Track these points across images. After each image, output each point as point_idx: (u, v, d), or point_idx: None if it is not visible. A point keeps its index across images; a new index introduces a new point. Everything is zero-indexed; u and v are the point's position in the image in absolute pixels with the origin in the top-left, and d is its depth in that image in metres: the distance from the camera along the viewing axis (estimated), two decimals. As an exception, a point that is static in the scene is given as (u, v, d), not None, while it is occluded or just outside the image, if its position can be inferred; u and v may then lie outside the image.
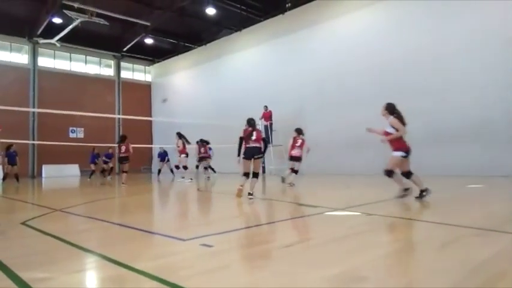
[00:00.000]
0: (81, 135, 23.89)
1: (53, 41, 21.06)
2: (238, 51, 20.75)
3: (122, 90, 26.80)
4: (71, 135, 23.61)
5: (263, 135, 7.62)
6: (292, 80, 17.28)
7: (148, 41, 24.38)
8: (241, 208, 6.47)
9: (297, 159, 9.82)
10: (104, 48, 25.30)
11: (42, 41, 21.71)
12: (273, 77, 18.15)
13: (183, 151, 13.52)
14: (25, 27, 21.69)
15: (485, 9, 11.62)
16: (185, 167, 13.84)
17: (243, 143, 7.16)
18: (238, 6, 19.43)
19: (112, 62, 26.71)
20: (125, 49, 25.28)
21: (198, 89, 23.73)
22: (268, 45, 18.99)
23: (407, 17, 13.60)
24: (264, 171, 17.05)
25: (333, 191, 8.88)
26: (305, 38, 17.12)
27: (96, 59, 26.07)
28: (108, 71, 26.65)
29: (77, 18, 18.03)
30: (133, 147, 12.32)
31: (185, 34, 24.12)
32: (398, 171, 6.18)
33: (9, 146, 14.23)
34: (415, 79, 12.99)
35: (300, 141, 9.87)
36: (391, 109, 6.51)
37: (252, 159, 7.05)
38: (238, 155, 7.11)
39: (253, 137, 7.13)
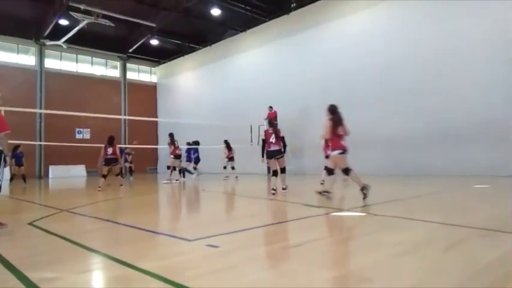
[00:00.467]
0: (87, 136, 24.02)
1: (60, 42, 21.20)
2: (243, 51, 20.77)
3: (127, 91, 26.92)
4: (78, 136, 23.75)
5: (281, 134, 8.32)
6: (297, 80, 17.26)
7: (154, 42, 24.47)
8: (246, 208, 6.49)
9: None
10: (109, 50, 25.43)
11: (48, 42, 21.86)
12: (278, 77, 18.14)
13: (172, 152, 13.57)
14: (32, 29, 21.86)
15: (489, 9, 11.53)
16: (173, 168, 13.88)
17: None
18: (243, 6, 19.44)
19: (118, 63, 26.85)
20: (130, 50, 25.39)
21: (203, 89, 23.78)
22: (273, 46, 18.98)
23: (412, 17, 13.53)
24: (268, 172, 17.02)
25: (338, 191, 8.85)
26: (310, 38, 17.09)
27: (102, 60, 26.21)
28: (114, 72, 26.78)
29: (83, 20, 18.13)
30: (139, 148, 12.42)
31: (190, 35, 24.17)
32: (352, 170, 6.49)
33: (17, 146, 14.36)
34: (420, 79, 12.92)
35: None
36: (331, 110, 6.72)
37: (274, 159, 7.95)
38: (263, 156, 8.38)
39: (273, 140, 7.93)
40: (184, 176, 14.57)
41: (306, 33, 17.21)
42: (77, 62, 24.84)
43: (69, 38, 20.51)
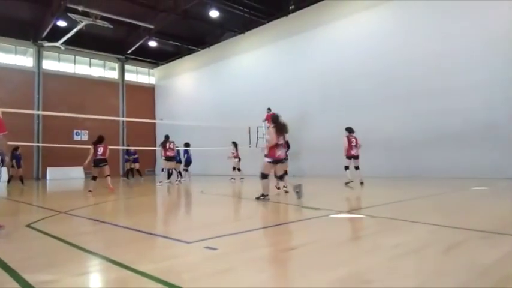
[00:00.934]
0: (85, 137, 23.94)
1: (58, 44, 21.18)
2: (242, 53, 20.79)
3: (125, 93, 26.90)
4: (76, 137, 23.69)
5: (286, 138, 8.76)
6: (296, 82, 17.29)
7: (152, 43, 24.45)
8: (245, 210, 6.48)
9: (356, 157, 10.50)
10: (108, 51, 25.41)
11: (46, 44, 21.84)
12: (277, 79, 18.17)
13: (164, 154, 13.57)
14: (30, 30, 21.83)
15: (491, 11, 11.57)
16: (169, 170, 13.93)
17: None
18: (242, 8, 19.46)
19: (116, 65, 26.83)
20: (128, 52, 25.36)
21: (201, 91, 23.78)
22: (272, 48, 19.01)
23: (410, 19, 13.58)
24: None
25: (337, 194, 8.85)
26: (308, 40, 17.13)
27: (100, 62, 26.19)
28: (112, 74, 26.76)
29: (82, 21, 18.11)
30: (138, 150, 12.29)
31: (189, 37, 24.17)
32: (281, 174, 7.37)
33: (16, 148, 14.35)
34: (419, 81, 12.96)
35: (354, 140, 10.56)
36: (273, 119, 7.13)
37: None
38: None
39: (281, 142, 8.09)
40: (178, 177, 14.53)
41: (304, 35, 17.25)
42: (75, 64, 24.81)
43: (67, 39, 20.49)
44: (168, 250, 3.52)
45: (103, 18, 18.44)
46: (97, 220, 5.48)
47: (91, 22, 18.15)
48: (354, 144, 10.51)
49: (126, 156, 18.54)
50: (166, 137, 13.54)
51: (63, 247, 3.59)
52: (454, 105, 12.01)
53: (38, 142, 21.79)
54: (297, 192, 6.66)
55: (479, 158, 11.26)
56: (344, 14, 15.76)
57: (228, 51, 21.64)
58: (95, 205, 7.67)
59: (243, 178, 14.15)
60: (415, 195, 7.59)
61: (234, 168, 14.93)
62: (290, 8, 18.73)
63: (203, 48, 23.80)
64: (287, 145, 8.68)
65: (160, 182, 13.31)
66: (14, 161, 14.13)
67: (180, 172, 15.01)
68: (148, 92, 28.12)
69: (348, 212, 5.46)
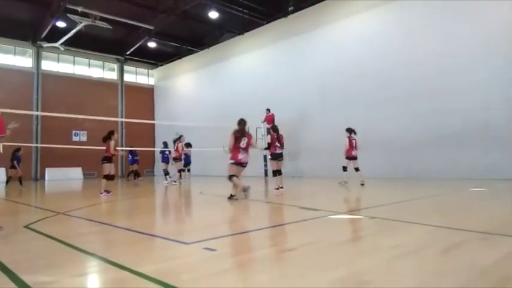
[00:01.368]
0: (84, 138, 23.95)
1: (57, 44, 21.17)
2: (241, 54, 20.80)
3: (125, 94, 26.89)
4: (74, 138, 23.67)
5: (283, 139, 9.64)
6: (295, 83, 17.30)
7: (152, 44, 24.45)
8: (243, 211, 6.47)
9: (355, 158, 10.71)
10: (107, 52, 25.40)
11: (46, 44, 21.83)
12: (276, 80, 18.18)
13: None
14: (29, 31, 21.82)
15: (490, 11, 11.59)
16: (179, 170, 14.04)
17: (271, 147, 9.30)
18: (241, 9, 19.46)
19: (115, 66, 26.82)
20: (128, 53, 25.36)
21: (200, 92, 23.77)
22: (271, 49, 19.02)
23: (410, 19, 13.59)
24: (266, 175, 17.04)
25: (336, 194, 8.85)
26: (307, 41, 17.14)
27: (100, 63, 26.18)
28: (112, 75, 26.75)
29: (81, 22, 18.11)
30: (137, 151, 12.11)
31: (188, 38, 24.18)
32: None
33: (18, 149, 14.37)
34: (418, 81, 12.97)
35: (354, 141, 10.74)
36: (238, 124, 7.72)
37: (277, 161, 9.26)
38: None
39: (278, 143, 9.25)
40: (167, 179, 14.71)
41: (304, 36, 17.26)
42: (74, 64, 24.80)
43: (67, 40, 20.49)
44: (166, 251, 3.52)
45: (102, 19, 18.45)
46: (96, 221, 5.47)
47: (90, 23, 18.15)
48: (354, 145, 10.65)
49: (130, 157, 18.51)
50: (179, 137, 13.65)
51: (62, 248, 3.58)
52: (454, 106, 12.01)
53: (37, 143, 21.76)
54: (245, 194, 7.19)
55: (479, 158, 11.27)
56: (344, 14, 15.78)
57: (228, 52, 21.65)
58: (94, 206, 7.66)
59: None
60: (414, 196, 7.60)
61: None
62: (289, 9, 18.75)
63: (202, 49, 23.81)
64: (281, 145, 9.41)
65: (175, 181, 13.59)
66: (15, 161, 14.12)
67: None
68: (147, 93, 28.12)
69: (347, 212, 5.46)
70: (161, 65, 27.56)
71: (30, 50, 22.97)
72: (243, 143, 7.46)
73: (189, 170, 16.14)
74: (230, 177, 7.49)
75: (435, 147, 12.38)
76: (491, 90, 11.35)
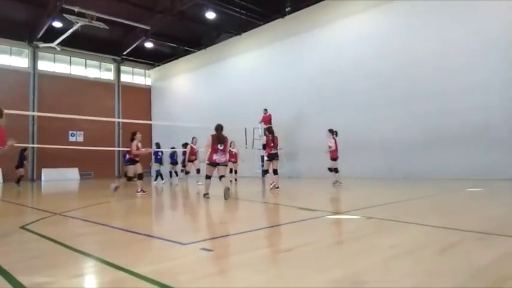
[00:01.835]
0: (80, 139, 23.88)
1: (53, 44, 21.11)
2: (238, 55, 20.80)
3: (121, 94, 26.85)
4: (71, 138, 23.61)
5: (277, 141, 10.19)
6: (292, 84, 17.31)
7: (148, 44, 24.43)
8: (241, 212, 6.47)
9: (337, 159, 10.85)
10: (104, 52, 25.36)
11: (42, 44, 21.76)
12: (273, 81, 18.19)
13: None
14: (25, 31, 21.74)
15: (489, 12, 11.63)
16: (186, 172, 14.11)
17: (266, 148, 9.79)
18: (238, 10, 19.48)
19: (112, 66, 26.77)
20: (125, 53, 25.33)
21: (197, 92, 23.76)
22: (268, 49, 19.04)
23: (407, 21, 13.63)
24: (263, 175, 17.01)
25: (333, 195, 8.86)
26: (305, 42, 17.16)
27: (96, 63, 26.12)
28: (108, 75, 26.70)
29: (77, 22, 18.06)
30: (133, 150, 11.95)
31: (185, 38, 24.17)
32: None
33: (25, 149, 14.76)
34: (415, 82, 13.02)
35: (336, 142, 10.82)
36: (215, 128, 8.32)
37: (272, 161, 9.76)
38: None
39: (272, 144, 9.68)
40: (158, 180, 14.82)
41: (301, 37, 17.28)
42: (70, 65, 24.74)
43: (63, 40, 20.45)
44: (163, 252, 3.51)
45: (99, 19, 18.40)
46: (92, 222, 5.45)
47: (87, 23, 18.11)
48: (337, 146, 10.78)
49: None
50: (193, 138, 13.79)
51: (59, 249, 3.57)
52: (453, 106, 12.06)
53: (33, 143, 21.69)
54: (225, 193, 7.65)
55: (477, 159, 11.32)
56: (341, 15, 15.81)
57: (225, 53, 21.64)
58: (90, 206, 7.63)
59: (236, 180, 14.04)
60: (411, 196, 7.62)
61: (230, 170, 14.89)
62: (286, 9, 18.79)
63: (199, 50, 23.80)
64: (275, 146, 9.91)
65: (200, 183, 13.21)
66: (24, 161, 14.42)
67: (176, 172, 15.06)
68: (144, 93, 28.08)
69: (344, 213, 5.47)
70: (158, 66, 27.53)
71: (27, 50, 22.89)
72: (221, 145, 8.09)
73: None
74: (206, 176, 8.32)
75: (433, 147, 12.42)
76: (490, 90, 11.40)
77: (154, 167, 15.80)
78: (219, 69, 21.99)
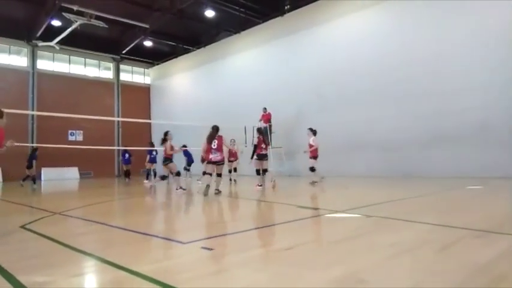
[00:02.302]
0: (80, 138, 23.85)
1: (52, 43, 21.05)
2: (237, 53, 20.77)
3: (121, 93, 26.79)
4: (70, 138, 23.57)
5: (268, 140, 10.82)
6: (291, 82, 17.29)
7: (148, 43, 24.38)
8: (240, 210, 6.47)
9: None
10: (103, 51, 25.30)
11: (41, 43, 21.70)
12: (272, 79, 18.16)
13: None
14: (24, 30, 21.67)
15: (485, 11, 11.61)
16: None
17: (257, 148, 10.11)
18: (237, 8, 19.44)
19: (111, 65, 26.71)
20: (124, 51, 25.27)
21: (197, 91, 23.73)
22: (267, 47, 19.01)
23: (406, 19, 13.59)
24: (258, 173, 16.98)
25: (333, 193, 8.87)
26: (304, 40, 17.14)
27: (95, 62, 26.07)
28: (107, 74, 26.64)
29: (76, 21, 18.02)
30: (134, 150, 11.90)
31: (184, 36, 24.12)
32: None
33: (36, 148, 15.26)
34: (414, 81, 12.99)
35: (314, 139, 11.01)
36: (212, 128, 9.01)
37: (261, 161, 10.06)
38: (252, 157, 10.15)
39: (263, 145, 10.07)
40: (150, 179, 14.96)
41: (300, 35, 17.25)
42: (69, 63, 24.67)
43: (62, 39, 20.39)
44: (164, 251, 3.51)
45: (98, 18, 18.36)
46: (92, 221, 5.45)
47: (86, 22, 18.07)
48: (317, 145, 10.86)
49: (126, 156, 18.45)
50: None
51: (58, 248, 3.57)
52: (452, 106, 12.04)
53: (32, 142, 21.62)
54: (204, 190, 8.33)
55: (475, 157, 11.31)
56: (340, 13, 15.77)
57: (224, 51, 21.61)
58: (90, 206, 7.63)
59: (235, 180, 13.95)
60: (410, 195, 7.62)
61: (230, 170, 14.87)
62: (286, 7, 18.74)
63: (199, 48, 23.76)
64: (266, 144, 10.31)
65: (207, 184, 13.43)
66: (34, 161, 14.64)
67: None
68: (143, 92, 28.04)
69: (344, 211, 5.47)
70: (157, 64, 27.49)
71: (26, 49, 22.82)
72: (214, 145, 8.61)
73: (189, 170, 16.18)
74: (204, 173, 9.12)
75: (433, 146, 12.42)
76: (489, 90, 11.38)
77: (147, 165, 15.89)
78: (218, 68, 21.97)
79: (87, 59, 25.44)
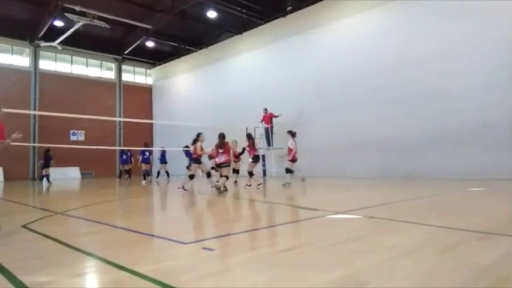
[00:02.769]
0: (82, 138, 23.90)
1: (55, 43, 21.12)
2: (239, 54, 20.78)
3: (123, 93, 26.84)
4: (72, 138, 23.62)
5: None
6: (293, 83, 17.29)
7: (150, 44, 24.41)
8: (242, 211, 6.47)
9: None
10: (105, 51, 25.34)
11: (43, 43, 21.76)
12: (274, 80, 18.16)
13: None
14: (26, 30, 21.74)
15: (484, 11, 11.59)
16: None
17: (249, 150, 10.85)
18: (239, 9, 19.46)
19: (113, 65, 26.76)
20: (126, 52, 25.31)
21: (199, 91, 23.74)
22: (269, 48, 19.01)
23: (407, 20, 13.58)
24: (264, 174, 17.02)
25: (334, 194, 8.87)
26: (306, 41, 17.13)
27: (97, 62, 26.11)
28: (109, 74, 26.69)
29: (79, 21, 18.07)
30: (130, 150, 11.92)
31: (186, 37, 24.16)
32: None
33: (49, 149, 15.75)
34: (415, 82, 12.98)
35: (293, 142, 11.08)
36: (218, 137, 9.91)
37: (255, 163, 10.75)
38: (239, 156, 11.51)
39: (248, 148, 10.78)
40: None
41: (302, 36, 17.25)
42: (71, 64, 24.73)
43: (64, 39, 20.45)
44: (165, 251, 3.52)
45: (100, 18, 18.41)
46: (94, 221, 5.46)
47: (88, 22, 18.11)
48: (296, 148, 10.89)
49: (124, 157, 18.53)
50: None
51: (60, 248, 3.58)
52: (452, 106, 12.02)
53: (34, 142, 21.69)
54: (213, 187, 9.34)
55: (475, 158, 11.28)
56: (342, 15, 15.77)
57: (226, 52, 21.62)
58: (92, 206, 7.64)
59: (236, 181, 13.92)
60: (411, 196, 7.61)
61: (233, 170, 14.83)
62: (288, 8, 18.76)
63: (201, 49, 23.78)
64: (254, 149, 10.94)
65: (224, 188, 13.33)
66: (51, 161, 15.54)
67: (167, 172, 15.44)
68: (145, 93, 28.07)
69: (345, 212, 5.47)
70: (159, 65, 27.52)
71: (28, 49, 22.89)
72: (221, 149, 9.61)
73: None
74: (208, 175, 10.39)
75: (432, 147, 12.40)
76: (489, 91, 11.36)
77: (142, 166, 16.16)
78: (220, 69, 21.97)
79: (89, 60, 25.49)
